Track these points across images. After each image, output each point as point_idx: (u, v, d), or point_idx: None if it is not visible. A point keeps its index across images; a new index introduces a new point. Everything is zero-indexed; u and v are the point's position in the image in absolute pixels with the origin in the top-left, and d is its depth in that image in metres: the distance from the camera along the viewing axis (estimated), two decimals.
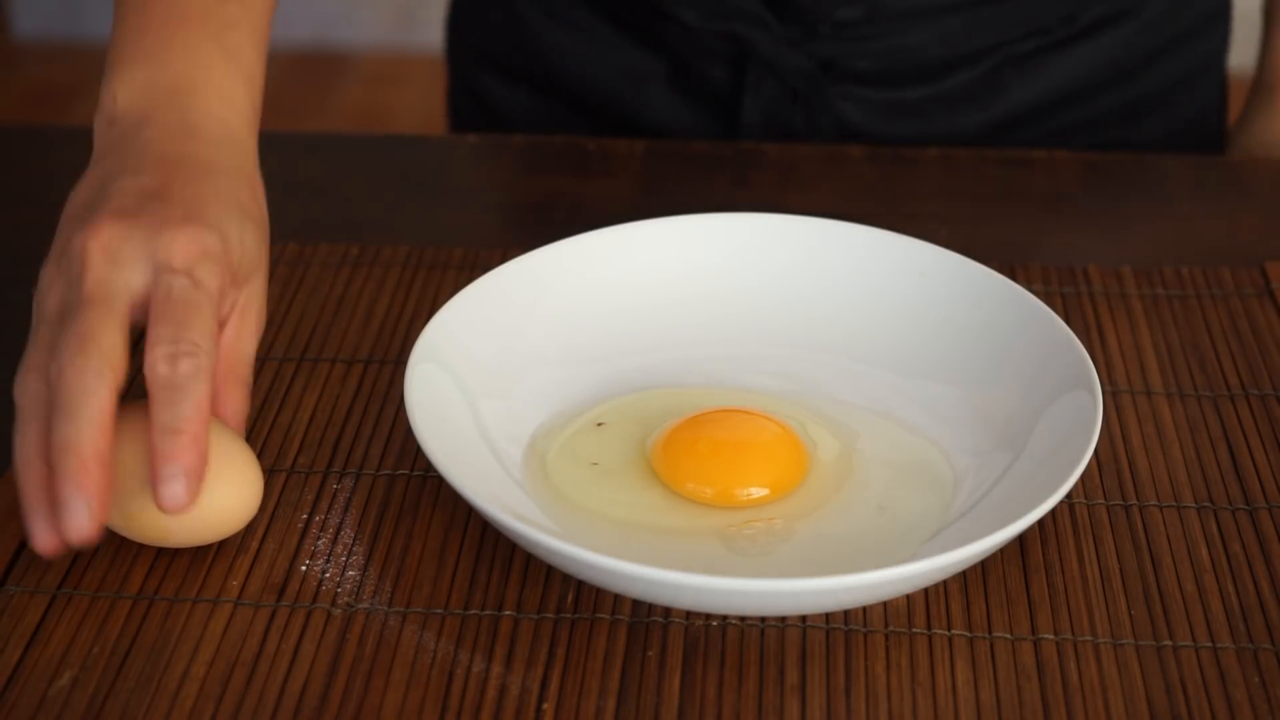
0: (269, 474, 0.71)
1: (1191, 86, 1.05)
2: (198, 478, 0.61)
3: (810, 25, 0.97)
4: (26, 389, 0.63)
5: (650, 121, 1.02)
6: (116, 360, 0.62)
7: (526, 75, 1.05)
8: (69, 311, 0.64)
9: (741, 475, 0.69)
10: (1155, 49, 1.02)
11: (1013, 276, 0.83)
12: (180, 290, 0.64)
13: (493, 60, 1.07)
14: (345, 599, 0.65)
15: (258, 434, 0.73)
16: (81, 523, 0.60)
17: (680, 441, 0.70)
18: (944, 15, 0.97)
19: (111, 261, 0.64)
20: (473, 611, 0.64)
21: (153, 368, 0.62)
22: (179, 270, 0.64)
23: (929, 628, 0.63)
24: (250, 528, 0.68)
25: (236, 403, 0.67)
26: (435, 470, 0.66)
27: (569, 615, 0.64)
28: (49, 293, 0.66)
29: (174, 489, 0.61)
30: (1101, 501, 0.70)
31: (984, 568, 0.66)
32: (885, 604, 0.64)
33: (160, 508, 0.61)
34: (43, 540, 0.61)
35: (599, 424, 0.72)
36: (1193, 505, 0.70)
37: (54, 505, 0.60)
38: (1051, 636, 0.63)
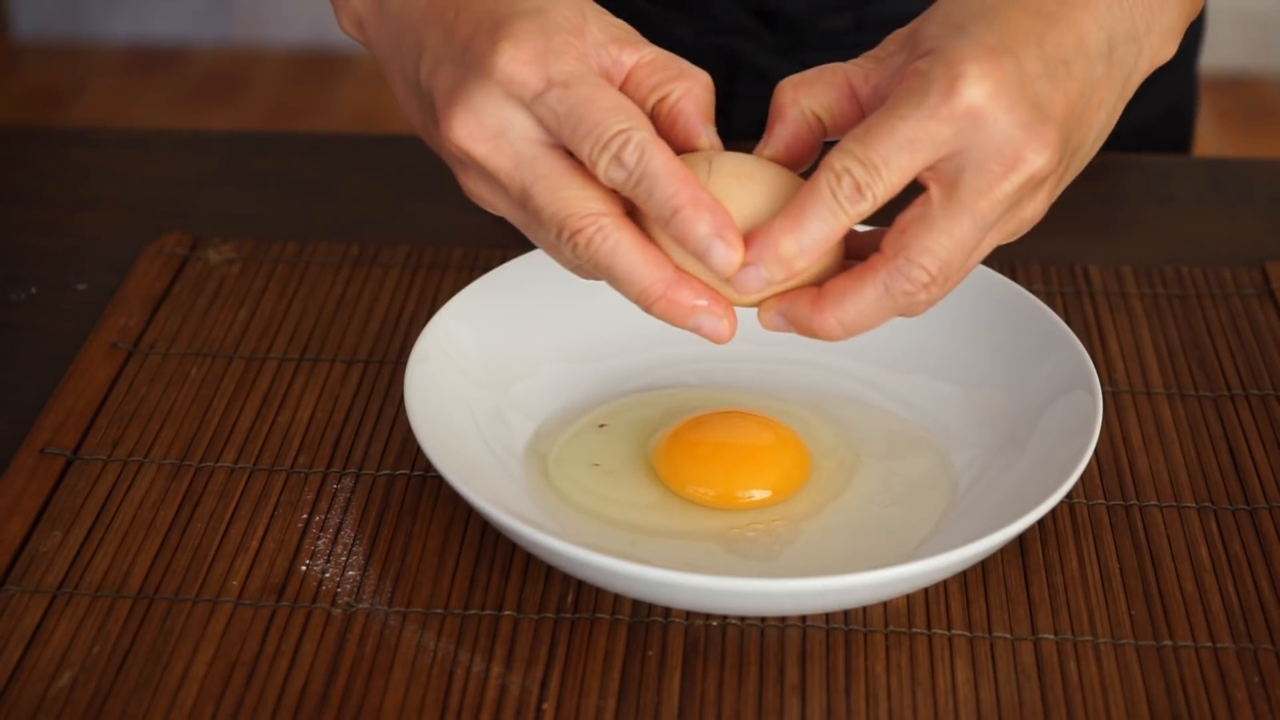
0: (269, 473, 0.71)
1: (1166, 75, 1.05)
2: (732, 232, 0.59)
3: (800, 35, 0.98)
4: (588, 237, 0.60)
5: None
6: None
7: None
8: (533, 160, 0.60)
9: (743, 478, 0.69)
10: None
11: (1013, 276, 0.83)
12: (555, 103, 0.59)
13: None
14: (345, 599, 0.65)
15: (257, 434, 0.73)
16: (731, 259, 0.58)
17: (681, 443, 0.69)
18: None
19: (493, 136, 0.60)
20: (473, 611, 0.64)
21: (603, 172, 0.59)
22: (539, 92, 0.59)
23: (929, 628, 0.63)
24: (250, 527, 0.68)
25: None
26: (435, 470, 0.66)
27: (569, 615, 0.64)
28: (491, 196, 0.62)
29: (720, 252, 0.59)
30: (1101, 501, 0.70)
31: (984, 568, 0.66)
32: (885, 604, 0.64)
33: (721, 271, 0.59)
34: (716, 327, 0.60)
35: (600, 425, 0.72)
36: (1193, 505, 0.70)
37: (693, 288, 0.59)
38: (1051, 636, 0.63)
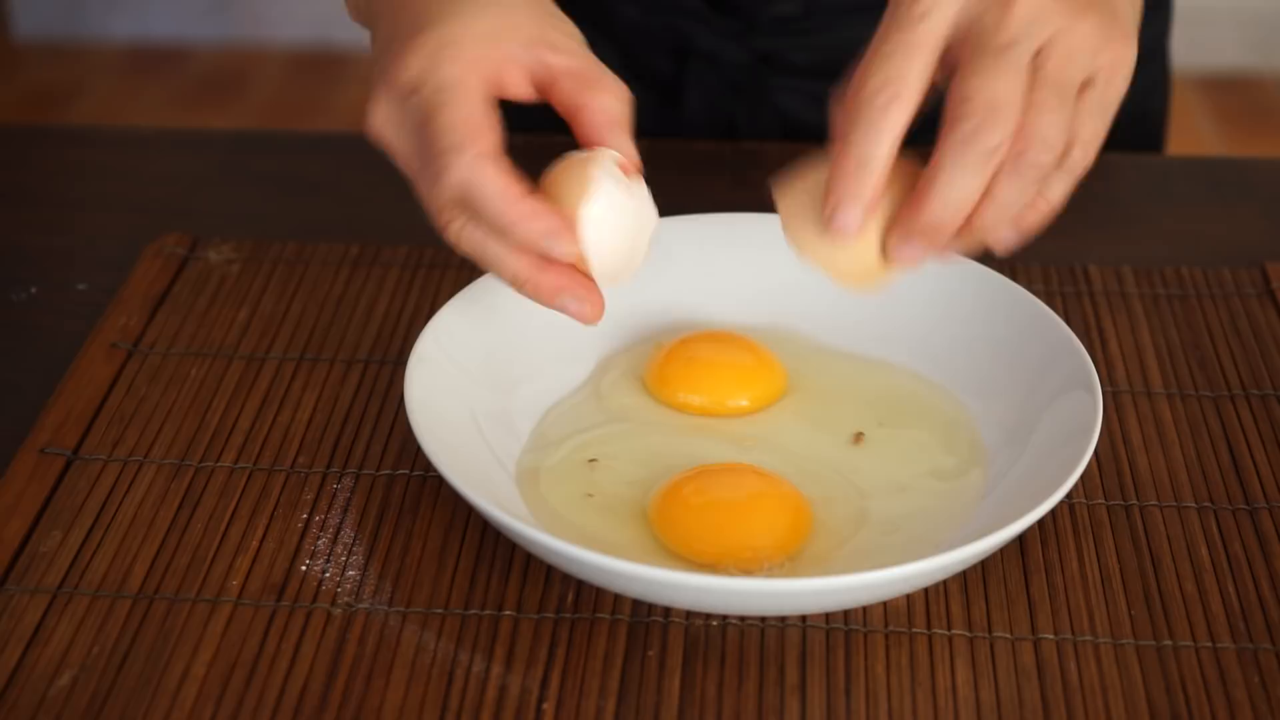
0: (269, 473, 0.71)
1: (1137, 71, 1.05)
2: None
3: (749, 19, 0.98)
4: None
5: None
6: None
7: None
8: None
9: (746, 541, 0.66)
10: None
11: (1013, 276, 0.83)
12: (411, 109, 0.65)
13: None
14: (345, 599, 0.64)
15: (257, 434, 0.73)
16: (569, 250, 0.63)
17: (682, 505, 0.67)
18: (881, 9, 0.97)
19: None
20: (473, 611, 0.64)
21: (439, 185, 0.64)
22: (405, 96, 0.65)
23: (929, 628, 0.63)
24: (250, 527, 0.68)
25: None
26: (435, 470, 0.66)
27: (569, 615, 0.64)
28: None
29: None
30: (1101, 501, 0.70)
31: (984, 568, 0.66)
32: (885, 604, 0.64)
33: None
34: (580, 309, 0.65)
35: (591, 460, 0.71)
36: (1193, 505, 0.70)
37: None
38: (1051, 636, 0.63)
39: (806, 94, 1.01)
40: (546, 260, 0.65)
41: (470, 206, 0.64)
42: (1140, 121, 1.06)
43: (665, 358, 0.74)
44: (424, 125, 0.64)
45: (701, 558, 0.65)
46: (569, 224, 0.64)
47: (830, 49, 0.99)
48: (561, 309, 0.66)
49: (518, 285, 0.66)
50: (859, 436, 0.72)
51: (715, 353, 0.75)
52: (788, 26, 0.98)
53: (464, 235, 0.65)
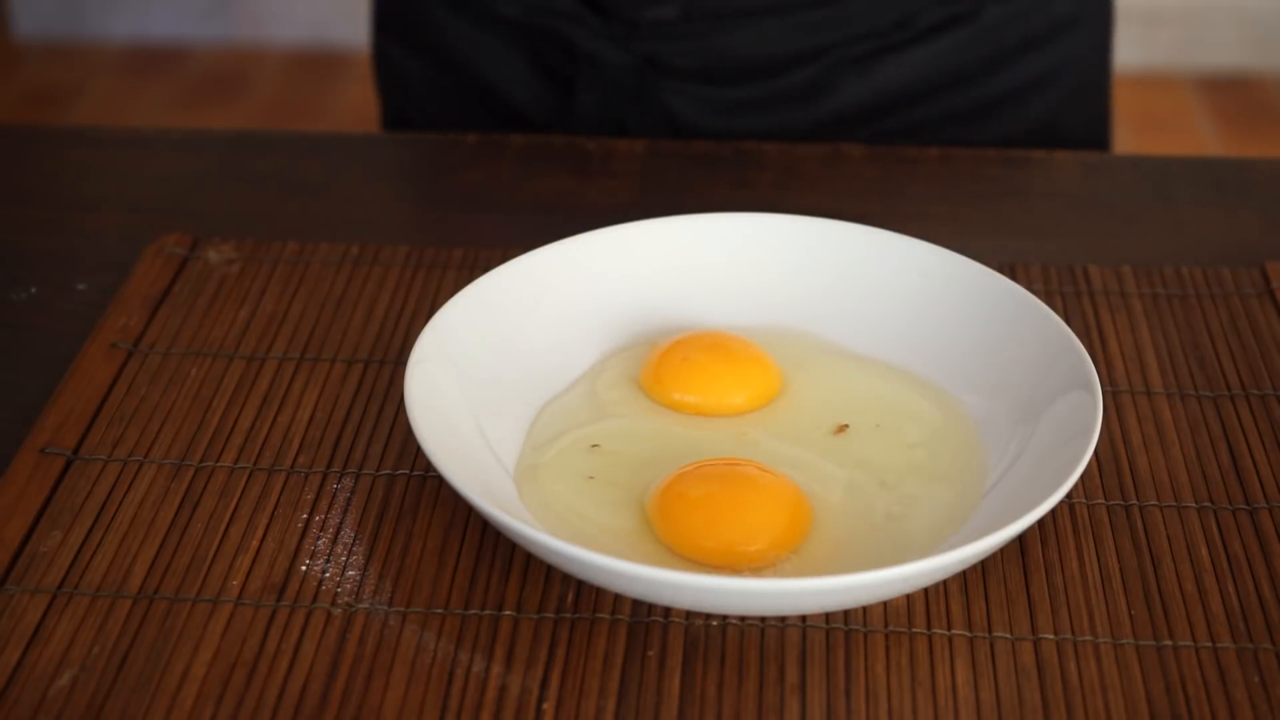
0: (269, 473, 0.71)
1: (1038, 93, 1.05)
2: None
3: (631, 23, 0.98)
4: None
5: (511, 101, 1.04)
6: None
7: (419, 45, 1.06)
8: None
9: (745, 537, 0.66)
10: (997, 55, 1.02)
11: (1013, 276, 0.83)
12: None
13: (394, 27, 1.08)
14: (345, 599, 0.65)
15: (257, 434, 0.73)
16: None
17: (679, 501, 0.67)
18: (763, 17, 0.98)
19: None
20: (473, 611, 0.64)
21: None
22: None
23: (929, 628, 0.63)
24: (250, 527, 0.68)
25: None
26: (435, 470, 0.66)
27: (569, 615, 0.64)
28: None
29: None
30: (1101, 501, 0.70)
31: (984, 568, 0.66)
32: (885, 604, 0.64)
33: None
34: None
35: (594, 445, 0.71)
36: (1193, 505, 0.70)
37: None
38: (1051, 636, 0.63)
39: (694, 97, 1.01)
40: None
41: None
42: (1047, 139, 1.05)
43: (660, 358, 0.74)
44: None
45: (700, 554, 0.65)
46: None
47: (713, 55, 0.99)
48: None
49: None
50: (842, 428, 0.72)
51: (709, 353, 0.75)
52: (668, 31, 0.98)
53: None
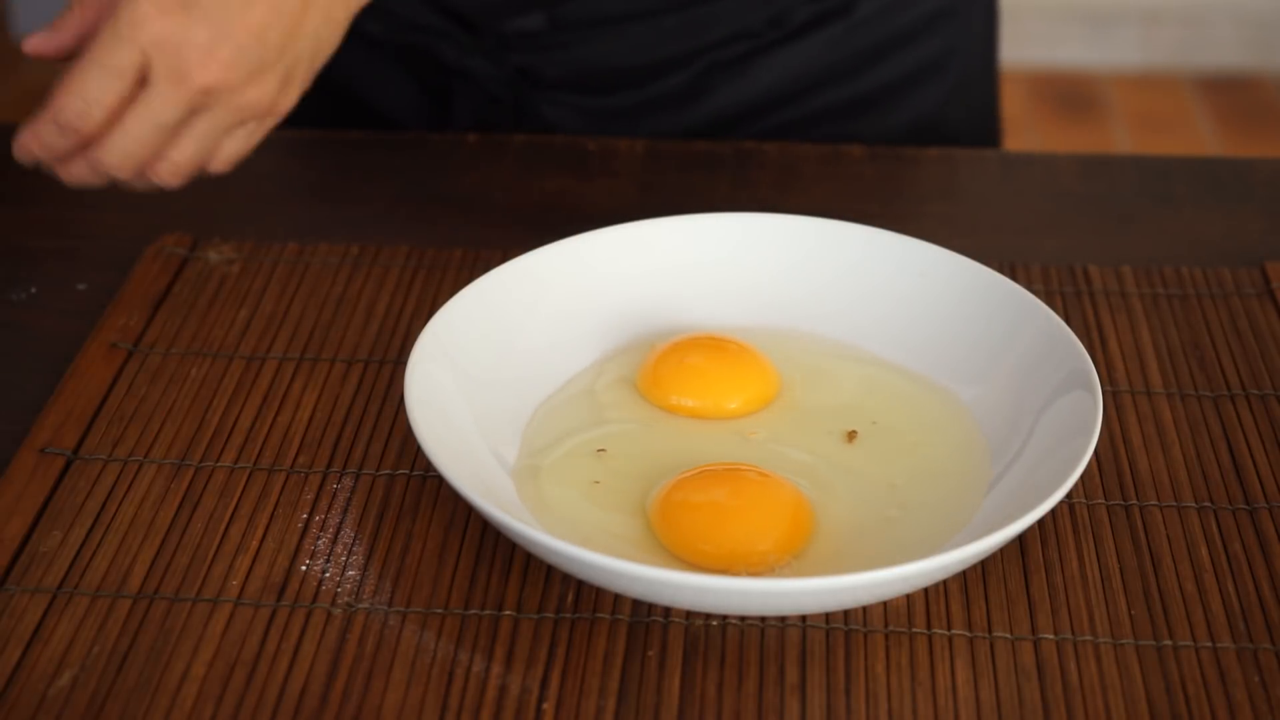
0: (269, 473, 0.71)
1: (914, 87, 1.04)
2: None
3: (498, 35, 0.98)
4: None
5: (385, 112, 1.04)
6: None
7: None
8: None
9: (748, 544, 0.66)
10: (870, 50, 1.01)
11: (1013, 276, 0.83)
12: None
13: None
14: (345, 599, 0.65)
15: (257, 434, 0.73)
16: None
17: (681, 508, 0.67)
18: (630, 23, 0.97)
19: None
20: (473, 611, 0.64)
21: None
22: None
23: (929, 628, 0.63)
24: (250, 527, 0.68)
25: None
26: (435, 470, 0.66)
27: (569, 615, 0.64)
28: None
29: None
30: (1101, 501, 0.70)
31: (984, 568, 0.66)
32: (885, 604, 0.64)
33: None
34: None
35: (600, 450, 0.71)
36: (1193, 505, 0.70)
37: None
38: (1051, 636, 0.63)
39: (572, 107, 1.00)
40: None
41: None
42: (930, 133, 1.04)
43: (657, 361, 0.74)
44: None
45: (702, 560, 0.65)
46: None
47: (583, 63, 0.99)
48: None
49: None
50: (852, 434, 0.72)
51: (706, 356, 0.75)
52: (536, 42, 0.98)
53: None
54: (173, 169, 0.74)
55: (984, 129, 1.08)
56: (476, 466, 0.67)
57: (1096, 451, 0.72)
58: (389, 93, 1.03)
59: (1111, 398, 0.75)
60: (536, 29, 0.97)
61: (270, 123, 0.76)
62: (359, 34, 1.00)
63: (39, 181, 0.95)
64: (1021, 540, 0.67)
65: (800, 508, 0.67)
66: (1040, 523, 0.68)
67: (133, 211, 0.90)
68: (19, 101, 2.71)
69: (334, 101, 1.04)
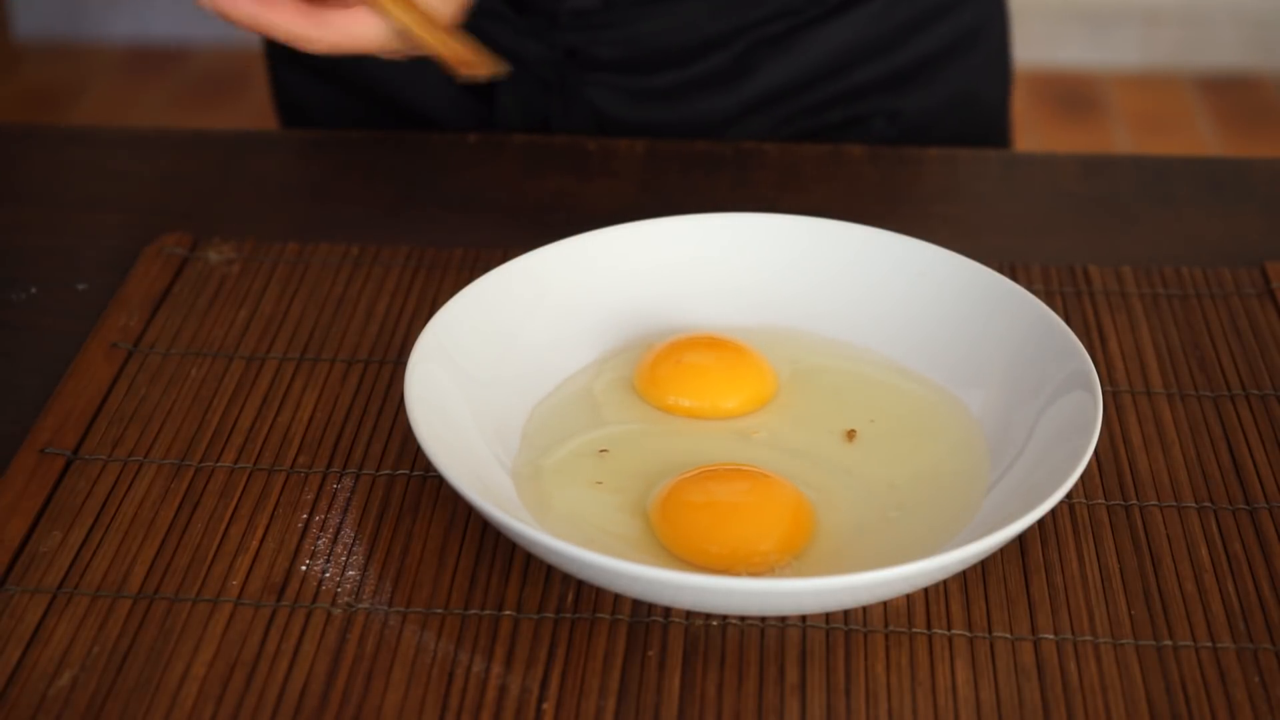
0: (269, 473, 0.71)
1: (955, 58, 1.05)
2: None
3: (551, 16, 0.98)
4: None
5: (427, 112, 1.04)
6: None
7: (319, 70, 1.06)
8: None
9: (749, 544, 0.66)
10: (910, 22, 1.02)
11: (1013, 276, 0.83)
12: None
13: (290, 55, 1.08)
14: (345, 599, 0.65)
15: (257, 434, 0.73)
16: None
17: (682, 509, 0.67)
18: (684, 1, 0.98)
19: None
20: (473, 611, 0.64)
21: None
22: None
23: (929, 628, 0.63)
24: (250, 527, 0.68)
25: None
26: (435, 470, 0.66)
27: (569, 615, 0.64)
28: None
29: None
30: (1101, 501, 0.70)
31: (984, 568, 0.66)
32: (885, 604, 0.64)
33: None
34: None
35: (602, 450, 0.71)
36: (1193, 505, 0.70)
37: None
38: (1051, 636, 0.63)
39: (616, 88, 1.01)
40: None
41: None
42: (971, 105, 1.06)
43: (654, 361, 0.74)
44: None
45: (705, 560, 0.65)
46: None
47: (635, 43, 0.99)
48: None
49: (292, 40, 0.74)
50: (851, 433, 0.72)
51: (703, 356, 0.75)
52: (589, 21, 0.98)
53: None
54: None
55: (1004, 101, 1.10)
56: (476, 466, 0.67)
57: (1096, 451, 0.72)
58: (426, 93, 1.03)
59: (1111, 398, 0.75)
60: (591, 7, 0.98)
61: None
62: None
63: (39, 181, 0.95)
64: (1021, 540, 0.67)
65: (800, 508, 0.67)
66: (1040, 523, 0.68)
67: (133, 211, 0.91)
68: (19, 101, 2.71)
69: (370, 105, 1.04)
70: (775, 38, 1.00)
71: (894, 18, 1.01)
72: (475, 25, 0.98)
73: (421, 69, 1.02)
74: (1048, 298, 0.82)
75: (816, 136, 0.99)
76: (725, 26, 0.99)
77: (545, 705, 0.60)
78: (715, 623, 0.64)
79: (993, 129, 1.09)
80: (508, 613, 0.64)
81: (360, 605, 0.64)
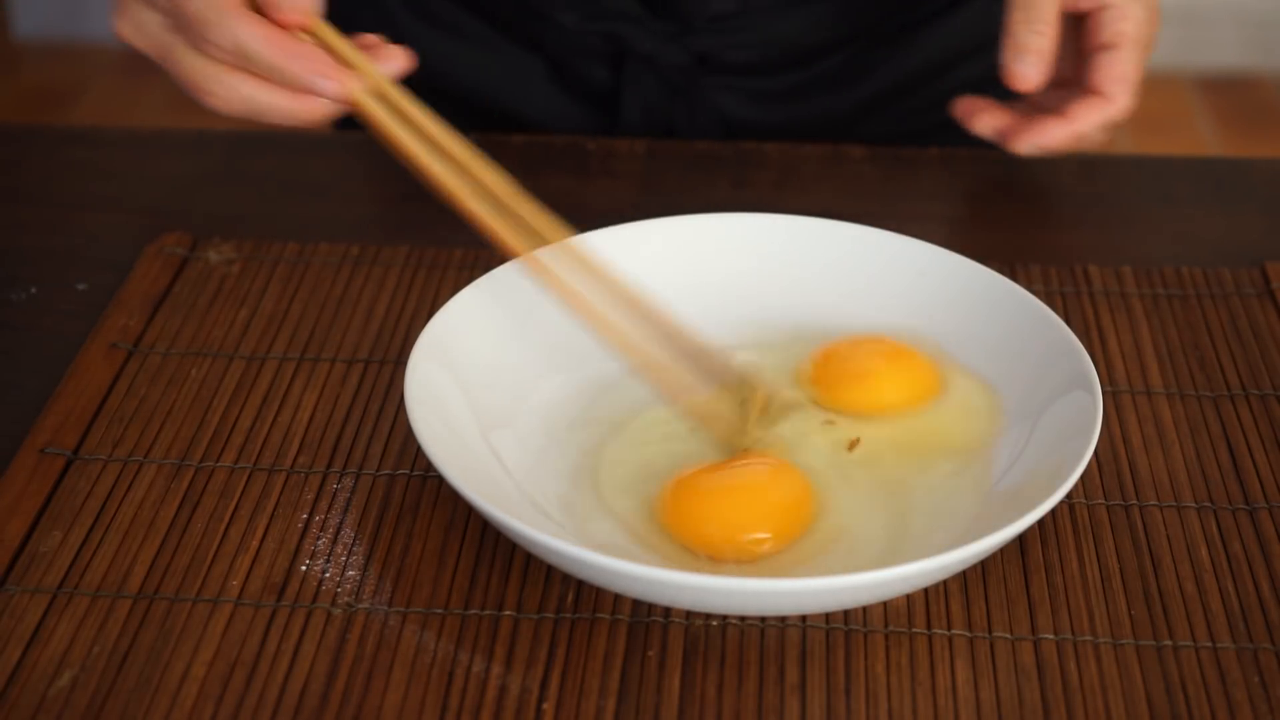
0: (269, 473, 0.71)
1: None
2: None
3: (686, 20, 0.99)
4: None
5: (531, 120, 1.04)
6: None
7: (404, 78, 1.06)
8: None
9: (754, 524, 0.66)
10: None
11: (1013, 276, 0.83)
12: (162, 3, 0.74)
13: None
14: (345, 599, 0.65)
15: (257, 434, 0.73)
16: (334, 88, 0.71)
17: (690, 492, 0.67)
18: (814, 3, 0.99)
19: None
20: (473, 611, 0.64)
21: (212, 56, 0.73)
22: None
23: (929, 628, 0.63)
24: (250, 527, 0.68)
25: None
26: (435, 470, 0.66)
27: (569, 615, 0.64)
28: None
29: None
30: (1101, 501, 0.70)
31: (984, 568, 0.66)
32: (885, 604, 0.64)
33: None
34: (330, 87, 0.72)
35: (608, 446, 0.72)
36: (1193, 505, 0.70)
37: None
38: (1051, 636, 0.63)
39: (744, 92, 1.02)
40: (301, 46, 0.72)
41: (243, 57, 0.71)
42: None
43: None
44: (176, 11, 0.72)
45: (712, 544, 0.65)
46: (335, 64, 0.72)
47: (766, 45, 1.01)
48: (312, 86, 0.73)
49: (291, 119, 0.73)
50: (853, 443, 0.72)
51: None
52: (725, 24, 0.99)
53: (230, 96, 0.72)
54: None
55: None
56: (476, 466, 0.67)
57: (1096, 452, 0.72)
58: (537, 100, 1.04)
59: (1111, 398, 0.75)
60: (728, 11, 0.99)
61: None
62: (544, 32, 1.00)
63: (39, 181, 0.95)
64: (1021, 540, 0.67)
65: (805, 488, 0.67)
66: (1040, 523, 0.68)
67: (133, 211, 0.91)
68: (19, 101, 2.71)
69: (470, 114, 1.03)
70: (889, 37, 1.02)
71: (1003, 12, 1.02)
72: (611, 30, 0.99)
73: (529, 75, 1.03)
74: (1048, 298, 0.82)
75: (928, 135, 1.00)
76: (850, 27, 1.01)
77: (545, 705, 0.60)
78: (715, 623, 0.64)
79: None
80: (508, 613, 0.64)
81: (360, 605, 0.64)
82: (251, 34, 0.71)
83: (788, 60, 1.02)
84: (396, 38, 1.05)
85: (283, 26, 0.73)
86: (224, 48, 0.71)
